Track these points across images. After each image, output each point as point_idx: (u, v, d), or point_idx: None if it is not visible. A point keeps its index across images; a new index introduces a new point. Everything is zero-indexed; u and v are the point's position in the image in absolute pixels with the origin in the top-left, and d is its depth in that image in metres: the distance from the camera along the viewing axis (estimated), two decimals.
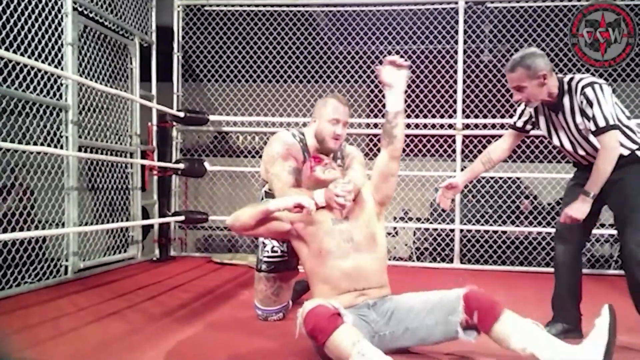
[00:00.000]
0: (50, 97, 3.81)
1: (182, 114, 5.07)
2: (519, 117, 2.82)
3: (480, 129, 5.30)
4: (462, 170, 5.12)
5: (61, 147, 3.89)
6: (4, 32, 3.39)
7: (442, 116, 5.46)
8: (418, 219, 6.23)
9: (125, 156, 4.84)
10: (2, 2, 3.38)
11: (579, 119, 2.54)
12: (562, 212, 2.54)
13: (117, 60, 4.78)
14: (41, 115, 3.76)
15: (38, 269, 3.69)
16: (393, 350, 2.20)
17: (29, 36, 3.60)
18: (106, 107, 4.63)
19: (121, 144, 4.80)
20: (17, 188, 4.09)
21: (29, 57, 3.48)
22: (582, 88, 2.49)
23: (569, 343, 2.10)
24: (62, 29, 3.91)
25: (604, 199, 2.59)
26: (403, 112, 2.41)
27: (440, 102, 5.50)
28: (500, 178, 5.49)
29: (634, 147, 2.54)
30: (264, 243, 2.94)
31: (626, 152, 2.51)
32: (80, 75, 4.13)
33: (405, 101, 5.86)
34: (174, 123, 5.28)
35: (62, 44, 3.91)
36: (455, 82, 5.18)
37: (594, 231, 2.65)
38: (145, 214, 5.23)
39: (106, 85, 4.46)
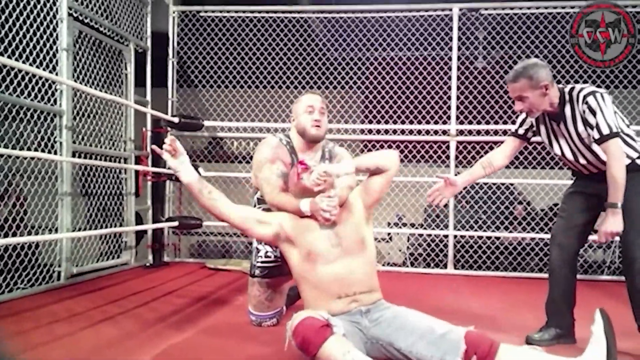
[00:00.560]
0: (45, 103, 3.81)
1: (176, 120, 5.07)
2: (520, 125, 2.83)
3: (474, 135, 5.32)
4: (456, 176, 5.14)
5: (55, 153, 3.89)
6: None
7: (436, 122, 5.48)
8: (412, 225, 6.25)
9: (120, 161, 4.83)
10: None
11: (580, 127, 2.55)
12: (600, 232, 2.48)
13: (112, 65, 4.78)
14: (35, 121, 3.75)
15: (31, 275, 3.68)
16: (385, 358, 2.19)
17: (24, 41, 3.59)
18: (101, 112, 4.62)
19: (115, 149, 4.80)
20: (12, 193, 4.07)
21: (23, 62, 3.48)
22: (585, 97, 2.51)
23: (562, 348, 2.11)
24: (57, 35, 3.91)
25: (601, 205, 2.60)
26: (356, 161, 2.39)
27: (434, 109, 5.52)
28: (494, 184, 5.51)
29: (635, 155, 2.55)
30: (257, 249, 2.95)
31: (627, 161, 2.52)
32: (75, 81, 4.13)
33: (400, 107, 5.88)
34: (169, 128, 5.28)
35: (57, 50, 3.91)
36: (449, 88, 5.20)
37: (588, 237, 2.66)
38: (139, 220, 5.22)
39: (101, 90, 4.46)
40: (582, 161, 2.64)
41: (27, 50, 3.63)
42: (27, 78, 3.59)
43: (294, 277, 2.44)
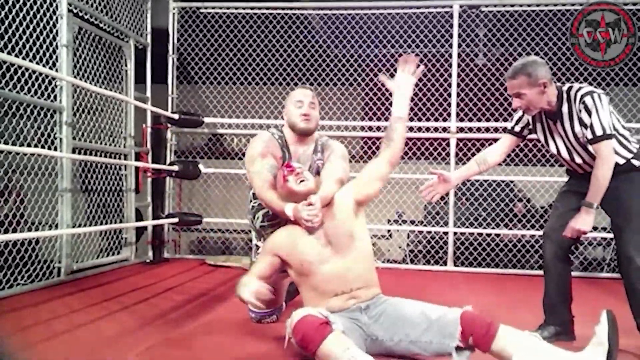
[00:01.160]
0: (45, 99, 3.81)
1: (176, 116, 5.07)
2: (517, 123, 2.83)
3: (474, 132, 5.32)
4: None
5: (55, 149, 3.88)
6: None
7: (436, 119, 5.48)
8: (412, 222, 6.25)
9: (119, 158, 4.83)
10: None
11: (577, 127, 2.56)
12: (568, 226, 2.54)
13: (112, 62, 4.77)
14: (35, 117, 3.75)
15: (31, 271, 3.68)
16: (385, 353, 2.20)
17: (24, 37, 3.59)
18: (100, 108, 4.62)
19: (115, 145, 4.80)
20: (12, 190, 4.08)
21: (23, 58, 3.47)
22: (582, 96, 2.51)
23: (561, 346, 2.11)
24: (57, 31, 3.90)
25: (599, 205, 2.61)
26: (404, 119, 2.43)
27: (434, 106, 5.52)
28: (494, 181, 5.51)
29: (629, 155, 2.56)
30: (257, 245, 2.96)
31: (622, 161, 2.53)
32: (75, 77, 4.13)
33: None
34: (169, 125, 5.28)
35: (56, 46, 3.91)
36: (449, 85, 5.19)
37: (587, 234, 2.66)
38: (139, 216, 5.23)
39: (101, 87, 4.46)
40: (578, 160, 2.64)
41: (27, 47, 3.62)
42: (27, 74, 3.59)
43: (294, 280, 2.45)
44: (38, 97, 3.74)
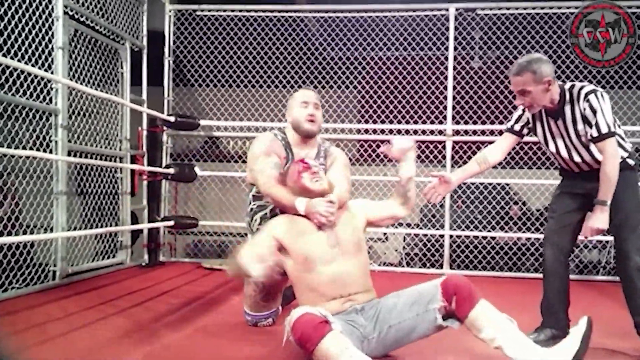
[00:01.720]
0: (40, 101, 3.79)
1: (172, 119, 5.06)
2: (516, 121, 2.82)
3: (470, 135, 5.33)
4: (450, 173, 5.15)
5: (50, 152, 3.87)
6: None
7: (432, 122, 5.48)
8: (408, 225, 6.25)
9: (115, 161, 4.82)
10: None
11: (580, 125, 2.56)
12: (586, 227, 2.53)
13: (108, 64, 4.76)
14: (30, 120, 3.74)
15: (26, 274, 3.66)
16: (383, 354, 2.20)
17: (19, 40, 3.58)
18: (96, 111, 4.61)
19: (111, 148, 4.79)
20: (7, 193, 4.06)
21: (19, 60, 3.46)
22: (586, 95, 2.52)
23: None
24: (52, 33, 3.89)
25: (590, 204, 2.61)
26: (414, 178, 2.53)
27: (430, 108, 5.53)
28: (490, 184, 5.52)
29: (625, 154, 2.58)
30: None
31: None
32: (71, 80, 4.12)
33: (396, 107, 5.88)
34: (165, 128, 5.27)
35: (52, 48, 3.89)
36: (445, 88, 5.20)
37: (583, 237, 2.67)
38: (135, 219, 5.21)
39: (96, 89, 4.45)
40: (577, 159, 2.64)
41: (23, 49, 3.61)
42: (22, 76, 3.57)
43: (290, 278, 2.43)
44: (33, 100, 3.72)
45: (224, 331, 2.85)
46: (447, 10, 5.13)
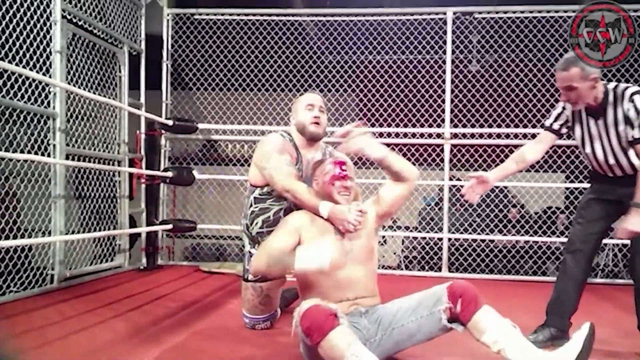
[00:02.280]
0: (38, 105, 3.79)
1: (170, 122, 5.06)
2: (555, 120, 2.78)
3: (468, 139, 5.33)
4: (450, 179, 5.17)
5: (48, 155, 3.87)
6: None
7: (430, 125, 5.49)
8: (407, 228, 6.25)
9: (113, 164, 4.82)
10: None
11: (621, 126, 2.54)
12: (622, 229, 2.49)
13: (106, 68, 4.77)
14: (28, 123, 3.74)
15: (24, 278, 3.66)
16: (385, 357, 2.20)
17: (17, 43, 3.58)
18: (94, 115, 4.61)
19: (109, 152, 4.79)
20: (5, 196, 4.05)
21: (17, 64, 3.47)
22: (632, 95, 2.51)
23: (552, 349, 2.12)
24: (50, 37, 3.89)
25: (621, 211, 2.60)
26: (389, 153, 2.41)
27: (428, 112, 5.53)
28: None
29: None
30: (250, 252, 2.94)
31: None
32: (69, 83, 4.12)
33: (394, 110, 5.88)
34: (163, 131, 5.27)
35: (50, 52, 3.90)
36: (443, 91, 5.21)
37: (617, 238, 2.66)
38: (133, 223, 5.20)
39: (95, 93, 4.45)
40: (611, 161, 2.62)
41: (21, 53, 3.61)
42: (20, 80, 3.58)
43: (297, 280, 2.42)
44: (31, 104, 3.72)
45: (222, 334, 2.85)
46: (444, 14, 5.14)
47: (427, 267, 5.47)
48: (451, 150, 5.17)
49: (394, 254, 6.35)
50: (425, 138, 5.42)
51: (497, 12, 5.15)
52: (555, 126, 2.78)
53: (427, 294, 2.18)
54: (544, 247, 5.51)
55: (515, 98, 5.45)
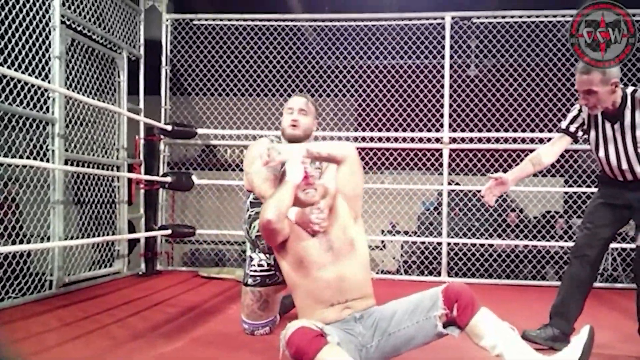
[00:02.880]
0: (37, 111, 3.80)
1: (169, 127, 5.06)
2: (571, 122, 2.76)
3: (467, 143, 5.34)
4: (449, 183, 5.17)
5: (47, 161, 3.87)
6: None
7: (429, 130, 5.50)
8: (406, 232, 6.25)
9: (112, 169, 4.82)
10: None
11: (639, 132, 2.54)
12: None
13: (105, 73, 4.77)
14: (27, 129, 3.73)
15: (22, 284, 3.65)
16: None
17: (16, 49, 3.58)
18: (93, 120, 4.61)
19: (108, 157, 4.79)
20: (4, 202, 4.05)
21: (15, 70, 3.47)
22: None
23: (552, 354, 2.12)
24: (49, 42, 3.90)
25: (630, 215, 2.60)
26: (308, 146, 2.38)
27: (427, 116, 5.54)
28: None
29: None
30: (251, 257, 2.94)
31: None
32: (68, 89, 4.12)
33: (393, 115, 5.89)
34: (162, 136, 5.27)
35: (49, 57, 3.90)
36: (442, 96, 5.22)
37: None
38: (132, 228, 5.20)
39: (94, 98, 4.45)
40: (624, 166, 2.61)
41: (20, 58, 3.61)
42: (19, 86, 3.58)
43: (288, 285, 2.42)
44: (30, 109, 3.72)
45: (221, 340, 2.84)
46: (443, 19, 5.15)
47: (426, 272, 5.47)
48: (450, 155, 5.17)
49: (393, 258, 6.35)
50: (424, 143, 5.43)
51: (495, 17, 5.17)
52: (572, 129, 2.76)
53: (423, 298, 2.16)
54: (543, 252, 5.51)
55: (513, 103, 5.46)
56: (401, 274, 5.64)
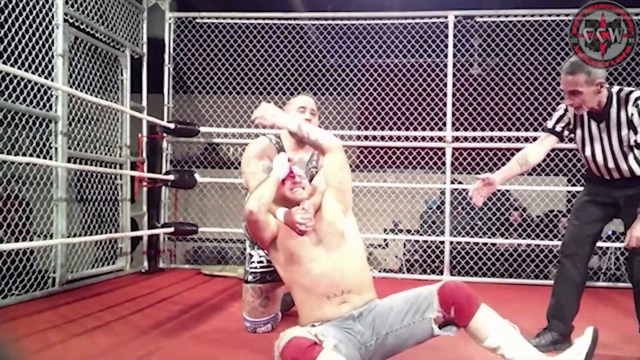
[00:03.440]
0: (40, 108, 3.80)
1: (172, 126, 5.07)
2: (557, 122, 2.77)
3: (470, 142, 5.33)
4: (452, 182, 5.16)
5: (50, 158, 3.88)
6: None
7: (431, 129, 5.49)
8: (408, 231, 6.25)
9: (115, 167, 4.83)
10: None
11: (624, 131, 2.53)
12: (631, 237, 2.47)
13: (108, 71, 4.78)
14: (30, 127, 3.74)
15: (26, 281, 3.66)
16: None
17: (20, 47, 3.59)
18: (96, 118, 4.62)
19: (111, 155, 4.79)
20: (7, 199, 4.06)
21: (19, 68, 3.48)
22: (636, 99, 2.50)
23: (556, 354, 2.11)
24: (52, 40, 3.91)
25: (616, 213, 2.59)
26: (303, 124, 2.45)
27: (430, 115, 5.54)
28: None
29: None
30: (250, 254, 2.95)
31: None
32: (71, 87, 4.13)
33: (396, 114, 5.89)
34: (164, 134, 5.28)
35: (52, 55, 3.91)
36: (444, 95, 5.21)
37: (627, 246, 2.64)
38: (135, 226, 5.21)
39: (97, 96, 4.46)
40: (611, 165, 2.61)
41: (23, 56, 3.62)
42: (22, 84, 3.59)
43: (285, 283, 2.41)
44: (34, 107, 3.73)
45: (223, 338, 2.85)
46: (446, 17, 5.14)
47: (428, 271, 5.47)
48: (453, 154, 5.17)
49: (396, 257, 6.35)
50: (427, 141, 5.42)
51: (498, 16, 5.16)
52: (558, 128, 2.77)
53: (419, 297, 2.12)
54: (545, 251, 5.50)
55: (516, 101, 5.45)
56: (404, 272, 5.64)
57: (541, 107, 5.45)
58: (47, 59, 3.85)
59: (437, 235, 5.45)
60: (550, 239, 5.26)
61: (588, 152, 2.67)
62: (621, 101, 2.54)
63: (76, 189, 4.40)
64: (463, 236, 5.40)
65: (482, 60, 6.13)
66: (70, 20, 4.13)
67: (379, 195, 5.81)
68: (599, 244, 4.94)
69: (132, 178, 4.93)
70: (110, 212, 4.76)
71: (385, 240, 6.08)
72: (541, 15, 5.09)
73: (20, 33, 3.60)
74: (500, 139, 5.26)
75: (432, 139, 5.39)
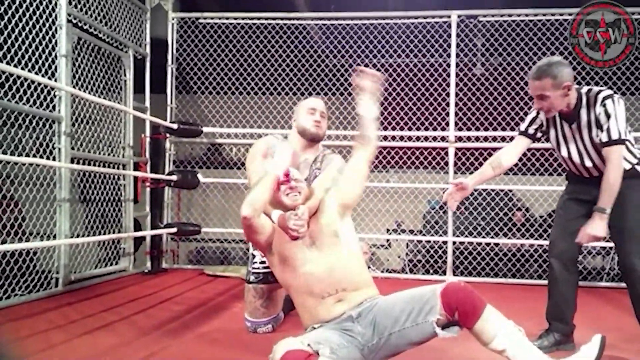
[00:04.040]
0: (43, 109, 3.81)
1: (175, 126, 5.07)
2: (530, 124, 2.79)
3: (473, 142, 5.32)
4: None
5: (53, 159, 3.88)
6: None
7: (434, 129, 5.48)
8: (411, 231, 6.24)
9: (118, 168, 4.83)
10: None
11: (594, 130, 2.54)
12: (582, 233, 2.50)
13: (111, 72, 4.79)
14: (34, 127, 3.75)
15: (29, 281, 3.67)
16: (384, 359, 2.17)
17: (23, 48, 3.60)
18: (99, 118, 4.63)
19: (114, 155, 4.80)
20: (10, 199, 4.07)
21: (22, 68, 3.48)
22: (603, 99, 2.51)
23: (560, 354, 2.11)
24: (56, 41, 3.91)
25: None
26: (377, 120, 2.47)
27: (432, 115, 5.53)
28: (493, 190, 5.51)
29: (635, 161, 2.57)
30: (253, 255, 2.96)
31: (627, 166, 2.54)
32: (74, 87, 4.14)
33: (399, 114, 5.89)
34: (167, 135, 5.29)
35: (55, 56, 3.92)
36: (447, 95, 5.20)
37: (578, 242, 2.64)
38: (138, 226, 5.22)
39: (100, 96, 4.46)
40: (588, 164, 2.63)
41: (26, 57, 3.63)
42: (26, 84, 3.60)
43: (282, 286, 2.39)
44: (37, 107, 3.74)
45: (225, 338, 2.85)
46: (449, 17, 5.14)
47: (431, 271, 5.46)
48: (455, 154, 5.16)
49: (399, 257, 6.34)
50: (430, 141, 5.42)
51: (501, 16, 5.15)
52: (530, 130, 2.79)
53: (421, 299, 2.08)
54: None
55: (520, 101, 5.43)
56: (406, 272, 5.63)
57: None
58: (50, 59, 3.86)
59: (440, 235, 5.44)
60: None
61: (564, 153, 2.70)
62: (590, 101, 2.55)
63: (79, 190, 4.41)
64: (466, 236, 5.39)
65: (485, 60, 6.11)
66: (74, 21, 4.14)
67: (382, 195, 5.81)
68: (603, 243, 4.94)
69: (135, 178, 4.94)
70: (113, 213, 4.77)
71: (387, 240, 6.07)
72: (544, 15, 5.07)
73: (23, 34, 3.61)
74: (503, 139, 5.25)
75: (435, 138, 5.38)
